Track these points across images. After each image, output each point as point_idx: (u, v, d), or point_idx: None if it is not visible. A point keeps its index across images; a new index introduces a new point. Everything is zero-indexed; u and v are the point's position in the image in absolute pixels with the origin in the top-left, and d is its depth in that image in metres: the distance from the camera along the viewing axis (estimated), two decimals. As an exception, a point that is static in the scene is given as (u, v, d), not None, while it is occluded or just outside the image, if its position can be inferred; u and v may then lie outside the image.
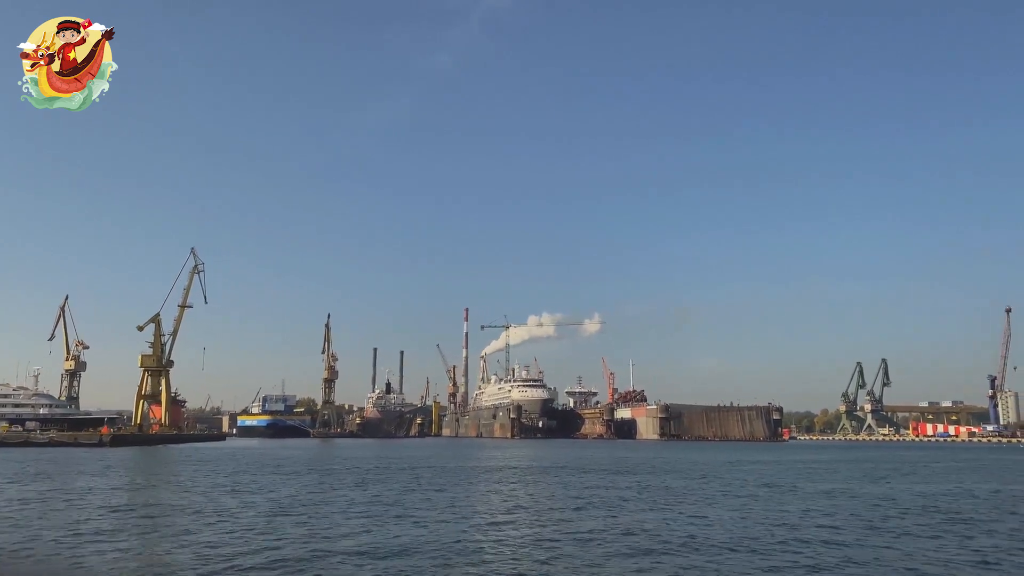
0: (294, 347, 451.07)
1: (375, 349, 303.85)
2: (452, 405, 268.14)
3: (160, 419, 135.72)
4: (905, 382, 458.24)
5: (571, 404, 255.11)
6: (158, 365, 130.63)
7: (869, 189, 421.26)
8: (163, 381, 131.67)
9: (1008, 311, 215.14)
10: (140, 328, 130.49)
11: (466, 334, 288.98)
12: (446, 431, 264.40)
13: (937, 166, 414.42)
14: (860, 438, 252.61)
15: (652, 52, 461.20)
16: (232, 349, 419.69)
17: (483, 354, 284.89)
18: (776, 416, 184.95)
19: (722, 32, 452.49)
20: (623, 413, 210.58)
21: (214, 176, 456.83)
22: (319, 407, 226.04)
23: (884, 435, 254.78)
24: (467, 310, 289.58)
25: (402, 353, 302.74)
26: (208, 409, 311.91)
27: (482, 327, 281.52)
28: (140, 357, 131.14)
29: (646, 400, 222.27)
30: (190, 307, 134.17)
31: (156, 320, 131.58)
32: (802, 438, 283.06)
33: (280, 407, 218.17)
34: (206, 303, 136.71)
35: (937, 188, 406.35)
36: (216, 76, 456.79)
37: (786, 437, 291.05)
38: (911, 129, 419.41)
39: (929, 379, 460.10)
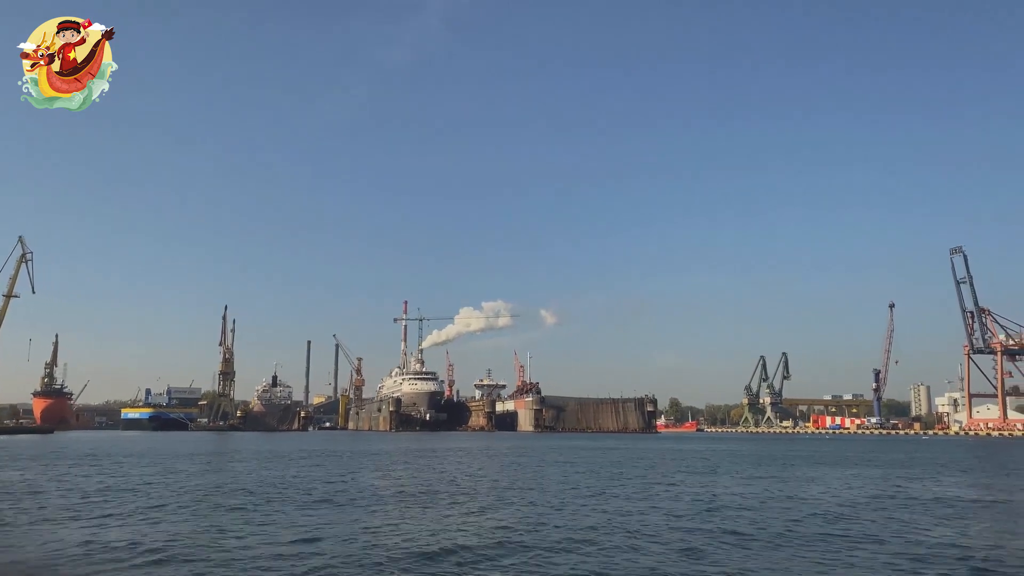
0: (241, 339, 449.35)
1: (309, 342, 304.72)
2: (356, 398, 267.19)
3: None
4: (813, 375, 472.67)
5: (477, 397, 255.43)
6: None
7: (853, 179, 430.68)
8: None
9: (891, 306, 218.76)
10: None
11: (404, 327, 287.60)
12: (351, 424, 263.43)
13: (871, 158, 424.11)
14: (760, 430, 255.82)
15: (611, 45, 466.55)
16: (186, 341, 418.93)
17: (420, 347, 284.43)
18: (650, 408, 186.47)
19: (681, 23, 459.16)
20: (507, 406, 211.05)
21: (172, 168, 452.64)
22: (220, 400, 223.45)
23: (785, 427, 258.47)
24: (406, 303, 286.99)
25: (337, 346, 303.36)
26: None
27: (395, 320, 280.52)
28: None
29: (540, 392, 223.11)
30: (16, 297, 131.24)
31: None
32: (709, 430, 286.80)
33: (164, 400, 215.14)
34: (33, 293, 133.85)
35: (914, 180, 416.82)
36: (164, 60, 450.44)
37: (693, 429, 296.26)
38: (830, 121, 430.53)
39: (839, 372, 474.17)
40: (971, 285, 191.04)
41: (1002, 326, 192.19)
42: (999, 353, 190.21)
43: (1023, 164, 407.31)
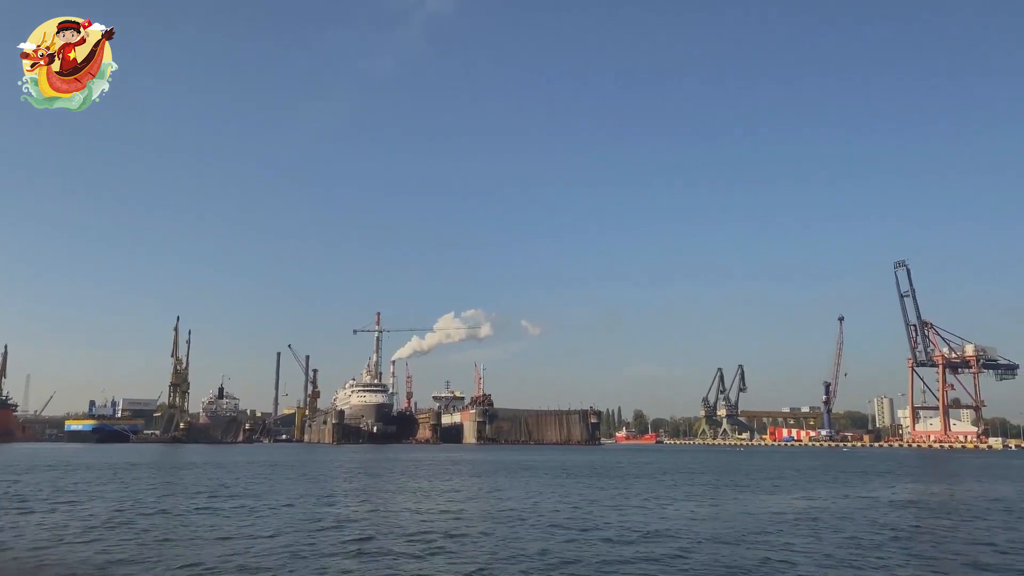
0: (211, 349, 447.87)
1: (279, 353, 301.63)
2: (311, 410, 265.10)
3: None
4: (775, 387, 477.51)
5: (436, 409, 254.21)
6: None
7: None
8: None
9: (841, 319, 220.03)
10: None
11: (377, 338, 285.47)
12: (306, 436, 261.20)
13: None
14: (717, 443, 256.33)
15: (591, 55, 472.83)
16: (160, 351, 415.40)
17: (393, 359, 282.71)
18: (594, 420, 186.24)
19: (661, 32, 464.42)
20: (454, 418, 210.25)
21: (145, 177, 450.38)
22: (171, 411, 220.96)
23: (741, 440, 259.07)
24: (379, 314, 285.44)
25: (308, 357, 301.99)
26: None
27: (355, 331, 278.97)
28: None
29: (492, 404, 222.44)
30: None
31: None
32: (670, 442, 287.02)
33: (109, 412, 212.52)
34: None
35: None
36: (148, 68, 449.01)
37: (652, 441, 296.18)
38: (787, 135, 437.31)
39: (799, 384, 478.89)
40: (914, 298, 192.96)
41: (944, 339, 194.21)
42: (941, 366, 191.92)
43: (977, 176, 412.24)
